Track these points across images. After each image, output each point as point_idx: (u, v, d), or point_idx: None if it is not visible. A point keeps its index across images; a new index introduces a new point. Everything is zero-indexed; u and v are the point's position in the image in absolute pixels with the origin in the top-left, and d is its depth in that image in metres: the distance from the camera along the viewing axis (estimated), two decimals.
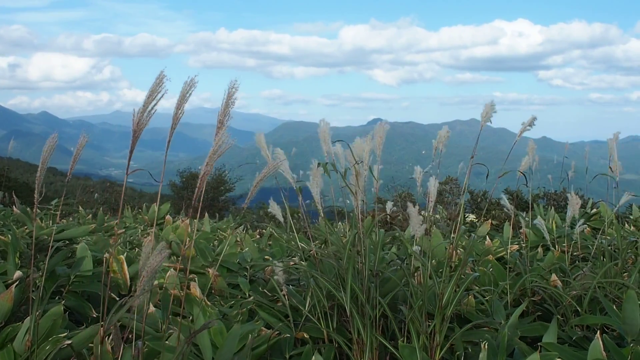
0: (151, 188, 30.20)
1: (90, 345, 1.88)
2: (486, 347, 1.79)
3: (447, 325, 2.10)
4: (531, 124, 2.30)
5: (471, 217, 7.53)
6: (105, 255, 2.81)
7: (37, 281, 2.40)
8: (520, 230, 4.21)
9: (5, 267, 2.61)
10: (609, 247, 3.06)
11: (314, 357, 1.96)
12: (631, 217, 5.15)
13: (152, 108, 1.60)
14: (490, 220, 5.33)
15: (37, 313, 1.84)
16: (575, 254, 3.54)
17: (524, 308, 2.63)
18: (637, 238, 3.50)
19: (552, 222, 4.23)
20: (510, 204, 3.37)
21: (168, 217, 4.90)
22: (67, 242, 3.46)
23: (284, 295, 2.48)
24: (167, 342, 1.94)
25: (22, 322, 1.93)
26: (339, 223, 4.47)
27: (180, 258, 3.08)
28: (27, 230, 3.60)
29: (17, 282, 2.26)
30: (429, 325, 2.10)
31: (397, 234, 3.90)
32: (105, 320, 1.69)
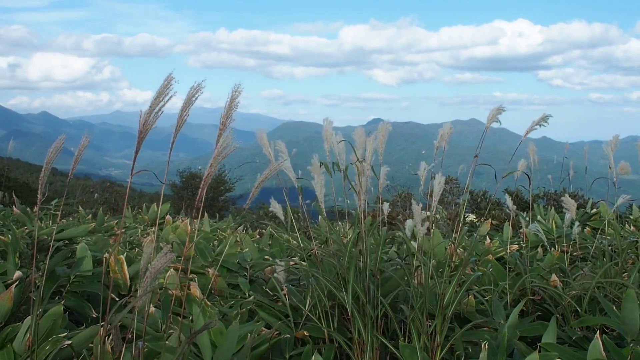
0: (151, 188, 30.19)
1: (90, 345, 1.88)
2: (486, 347, 1.79)
3: (448, 325, 2.10)
4: (544, 121, 2.26)
5: (471, 217, 7.53)
6: (105, 255, 2.81)
7: (37, 281, 2.40)
8: (520, 230, 4.21)
9: (5, 267, 2.61)
10: (609, 247, 3.06)
11: (314, 357, 1.96)
12: (631, 217, 5.14)
13: (159, 109, 1.60)
14: (490, 220, 5.32)
15: (37, 313, 1.84)
16: (575, 254, 3.54)
17: (524, 308, 2.63)
18: (637, 238, 3.50)
19: (552, 223, 4.23)
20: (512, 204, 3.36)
21: (168, 217, 4.90)
22: (67, 242, 3.46)
23: (284, 295, 2.48)
24: (167, 342, 1.94)
25: (22, 322, 1.93)
26: (339, 223, 4.46)
27: (181, 258, 3.08)
28: (27, 230, 3.60)
29: (17, 282, 2.26)
30: (429, 325, 2.10)
31: (397, 233, 3.90)
32: (107, 320, 1.69)
